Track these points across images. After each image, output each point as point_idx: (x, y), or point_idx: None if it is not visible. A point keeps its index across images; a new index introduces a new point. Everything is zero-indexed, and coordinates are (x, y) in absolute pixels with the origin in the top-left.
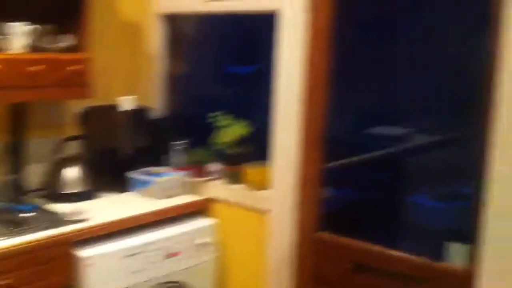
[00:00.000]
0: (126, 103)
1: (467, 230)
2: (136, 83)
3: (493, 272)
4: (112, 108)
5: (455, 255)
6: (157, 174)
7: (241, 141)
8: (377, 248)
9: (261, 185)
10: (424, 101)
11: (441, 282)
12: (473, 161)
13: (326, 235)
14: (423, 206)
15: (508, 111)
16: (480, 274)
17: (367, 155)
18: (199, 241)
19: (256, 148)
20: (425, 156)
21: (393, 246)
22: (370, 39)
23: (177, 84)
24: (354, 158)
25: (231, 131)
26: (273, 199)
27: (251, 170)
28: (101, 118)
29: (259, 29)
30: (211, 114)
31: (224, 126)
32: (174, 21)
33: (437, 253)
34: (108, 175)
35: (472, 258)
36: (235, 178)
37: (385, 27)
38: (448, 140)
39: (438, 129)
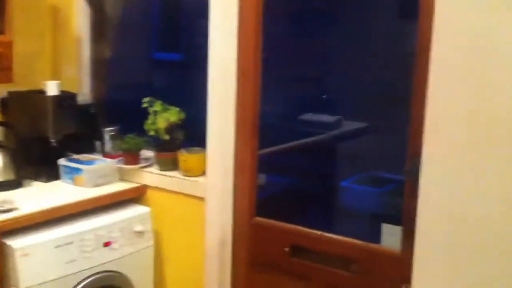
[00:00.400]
0: (51, 88)
1: (399, 213)
2: (61, 68)
3: (426, 253)
4: (37, 93)
5: (389, 236)
6: (89, 162)
7: (173, 128)
8: (314, 231)
9: (197, 172)
10: (354, 88)
11: (377, 263)
12: (400, 146)
13: (263, 220)
14: (355, 191)
15: (438, 94)
16: (414, 255)
17: (300, 141)
18: (134, 229)
19: (190, 134)
20: (356, 142)
21: (329, 230)
22: (302, 27)
23: (105, 69)
24: (288, 144)
25: (162, 117)
26: (209, 186)
27: (185, 157)
28: (25, 103)
29: (190, 15)
30: (144, 100)
31: (157, 112)
32: (100, 4)
33: (371, 235)
34: (36, 163)
35: (405, 239)
36: (168, 165)
37: (316, 15)
38: (378, 126)
39: (368, 116)
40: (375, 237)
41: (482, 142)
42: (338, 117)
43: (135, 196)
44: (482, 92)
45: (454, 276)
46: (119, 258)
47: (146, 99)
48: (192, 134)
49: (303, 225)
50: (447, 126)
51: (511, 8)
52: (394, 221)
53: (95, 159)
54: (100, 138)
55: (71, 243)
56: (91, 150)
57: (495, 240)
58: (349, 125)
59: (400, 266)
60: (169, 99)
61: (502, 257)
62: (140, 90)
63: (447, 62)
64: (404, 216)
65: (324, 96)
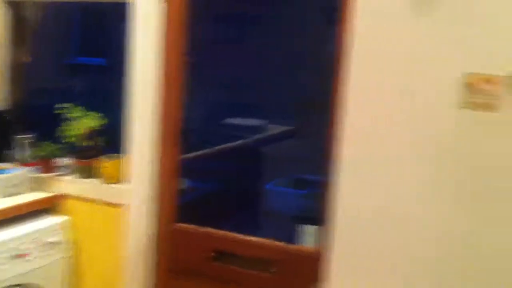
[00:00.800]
0: None
1: (318, 213)
2: None
3: (341, 252)
4: None
5: (308, 237)
6: (0, 171)
7: (92, 134)
8: (236, 235)
9: (116, 179)
10: (280, 93)
11: (297, 263)
12: (323, 149)
13: (185, 226)
14: (279, 193)
15: (356, 98)
16: (330, 254)
17: (226, 145)
18: (49, 240)
19: (110, 141)
20: (280, 145)
21: (253, 233)
22: (229, 32)
23: (21, 74)
24: (213, 149)
25: (82, 123)
26: (130, 193)
27: (105, 164)
28: None
29: (111, 19)
30: (60, 106)
31: (74, 118)
32: (20, 8)
33: (293, 236)
34: None
35: (323, 239)
36: (87, 172)
37: (241, 22)
38: (300, 130)
39: (293, 120)
40: (298, 238)
41: (398, 145)
42: (263, 121)
43: (51, 205)
44: (399, 96)
45: (370, 274)
46: (33, 270)
47: (65, 105)
48: (113, 140)
49: (228, 229)
50: (364, 129)
51: (421, 19)
52: (315, 221)
53: (8, 168)
54: (14, 145)
55: None
56: (4, 158)
57: (413, 241)
58: (275, 129)
59: (319, 265)
60: (90, 104)
61: (419, 258)
62: (60, 96)
63: (364, 68)
64: (322, 216)
65: (250, 101)
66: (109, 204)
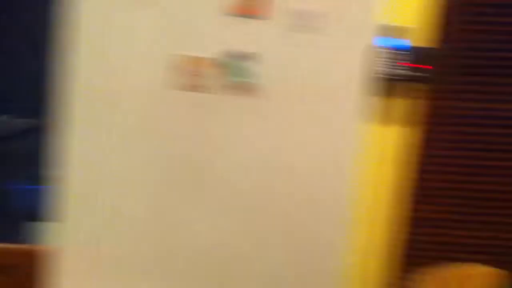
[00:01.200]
0: None
1: (54, 211)
2: None
3: (74, 250)
4: None
5: (44, 235)
6: None
7: None
8: None
9: None
10: (18, 84)
11: (30, 264)
12: (56, 144)
13: None
14: (16, 191)
15: (78, 89)
16: (64, 253)
17: None
18: None
19: None
20: (21, 141)
21: None
22: None
23: None
24: None
25: None
26: None
27: None
28: None
29: None
30: None
31: None
32: None
33: (30, 236)
34: None
35: (55, 236)
36: None
37: None
38: (38, 125)
39: (31, 115)
40: (34, 237)
41: (123, 132)
42: (2, 115)
43: None
44: (121, 82)
45: (101, 273)
46: None
47: None
48: None
49: None
50: (88, 119)
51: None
52: (51, 219)
53: None
54: None
55: None
56: None
57: (144, 234)
58: (15, 123)
59: (52, 264)
60: None
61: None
62: None
63: (88, 53)
64: (57, 213)
65: None
66: None
